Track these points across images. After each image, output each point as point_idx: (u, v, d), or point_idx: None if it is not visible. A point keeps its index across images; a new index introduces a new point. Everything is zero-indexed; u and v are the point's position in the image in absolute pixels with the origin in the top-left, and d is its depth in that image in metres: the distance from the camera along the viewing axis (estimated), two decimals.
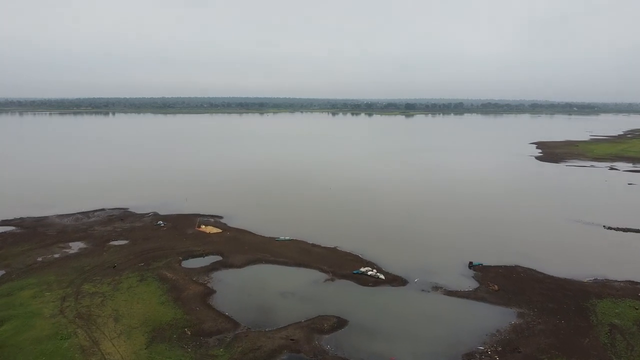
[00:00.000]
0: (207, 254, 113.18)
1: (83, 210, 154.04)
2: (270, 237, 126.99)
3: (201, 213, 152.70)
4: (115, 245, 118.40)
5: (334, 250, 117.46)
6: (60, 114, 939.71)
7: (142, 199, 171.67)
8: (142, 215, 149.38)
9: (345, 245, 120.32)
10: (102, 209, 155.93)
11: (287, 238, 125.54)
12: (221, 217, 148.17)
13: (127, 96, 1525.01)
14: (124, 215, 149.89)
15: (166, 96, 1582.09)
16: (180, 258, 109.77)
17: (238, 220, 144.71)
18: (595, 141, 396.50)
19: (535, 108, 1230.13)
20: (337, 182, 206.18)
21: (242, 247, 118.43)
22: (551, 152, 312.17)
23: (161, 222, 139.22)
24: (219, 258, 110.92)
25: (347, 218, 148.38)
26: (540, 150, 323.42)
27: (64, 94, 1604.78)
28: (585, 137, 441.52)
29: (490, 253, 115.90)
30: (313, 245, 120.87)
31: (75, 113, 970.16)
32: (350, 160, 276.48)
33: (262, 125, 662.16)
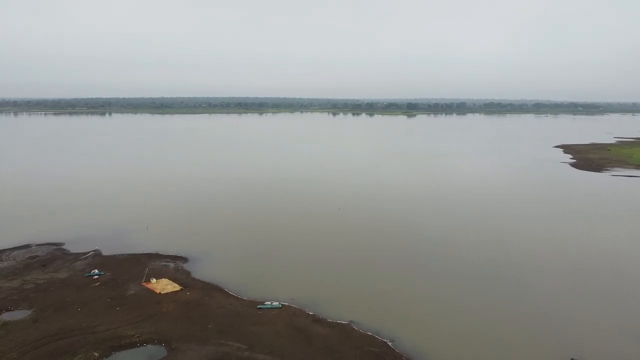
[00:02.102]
0: (143, 343, 68.49)
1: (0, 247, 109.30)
2: (250, 301, 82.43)
3: (160, 252, 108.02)
4: (3, 324, 73.57)
5: (347, 331, 72.77)
6: (55, 114, 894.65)
7: (89, 227, 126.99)
8: (77, 257, 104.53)
9: (365, 318, 75.96)
10: (27, 245, 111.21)
11: (275, 304, 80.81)
12: (186, 260, 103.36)
13: (127, 96, 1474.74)
14: (52, 256, 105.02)
15: (165, 96, 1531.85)
16: (97, 354, 65.03)
17: (209, 266, 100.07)
18: (624, 144, 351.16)
19: (540, 108, 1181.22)
20: (347, 199, 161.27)
21: (205, 324, 73.79)
22: (584, 158, 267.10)
23: (96, 272, 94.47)
24: (162, 352, 66.24)
25: (363, 261, 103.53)
26: (570, 156, 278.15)
27: (63, 94, 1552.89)
28: (609, 139, 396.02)
29: (594, 332, 71.37)
30: (314, 319, 76.16)
31: (70, 113, 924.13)
32: (360, 169, 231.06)
33: (260, 126, 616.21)
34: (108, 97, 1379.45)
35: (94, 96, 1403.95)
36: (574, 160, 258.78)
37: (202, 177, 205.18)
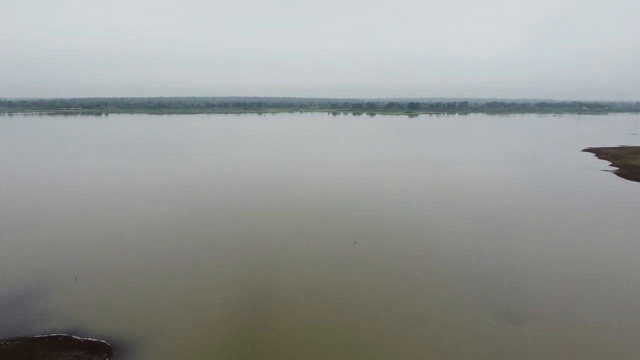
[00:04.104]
0: None
1: None
2: None
3: (75, 334, 67.50)
4: None
5: None
6: (50, 114, 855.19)
7: None
8: None
9: None
10: None
11: None
12: (109, 353, 62.72)
13: (125, 96, 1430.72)
14: None
15: (164, 96, 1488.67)
16: None
17: None
18: None
19: (544, 107, 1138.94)
20: (363, 227, 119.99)
21: None
22: (626, 165, 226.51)
23: None
24: None
25: (401, 340, 62.80)
26: (609, 162, 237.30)
27: (61, 94, 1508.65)
28: (636, 140, 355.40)
29: None
30: None
31: (66, 113, 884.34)
32: (372, 181, 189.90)
33: (259, 126, 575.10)
34: (105, 96, 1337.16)
35: (91, 95, 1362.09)
36: (616, 168, 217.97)
37: (176, 202, 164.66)
